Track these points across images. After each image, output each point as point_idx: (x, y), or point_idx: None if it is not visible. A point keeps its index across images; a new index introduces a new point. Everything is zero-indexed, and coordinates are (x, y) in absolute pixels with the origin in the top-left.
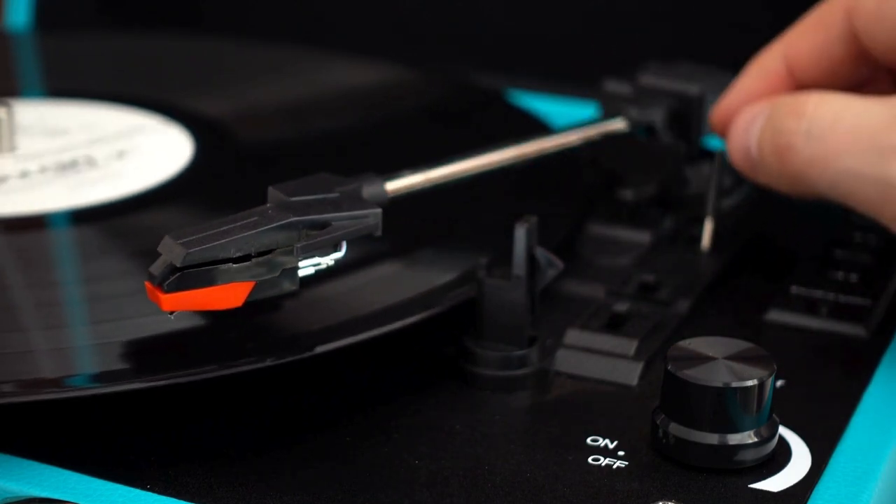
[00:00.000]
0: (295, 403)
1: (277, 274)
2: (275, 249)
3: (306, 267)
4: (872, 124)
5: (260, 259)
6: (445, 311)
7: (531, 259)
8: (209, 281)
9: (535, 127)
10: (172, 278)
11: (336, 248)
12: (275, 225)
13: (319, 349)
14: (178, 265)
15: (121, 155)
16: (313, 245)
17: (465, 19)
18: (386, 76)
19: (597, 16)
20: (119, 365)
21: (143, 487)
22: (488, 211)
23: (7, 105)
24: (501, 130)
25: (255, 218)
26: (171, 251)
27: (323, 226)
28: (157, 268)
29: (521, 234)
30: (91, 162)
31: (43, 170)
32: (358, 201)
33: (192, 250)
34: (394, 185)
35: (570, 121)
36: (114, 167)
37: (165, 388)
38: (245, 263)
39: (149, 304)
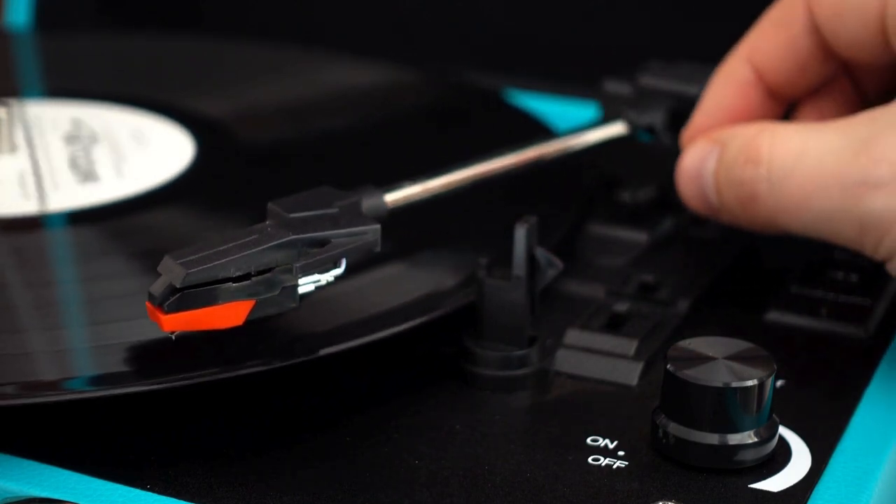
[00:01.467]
0: (295, 404)
1: (277, 292)
2: (274, 267)
3: (306, 284)
4: (835, 159)
5: (260, 277)
6: (446, 314)
7: (531, 259)
8: (209, 300)
9: (534, 127)
10: (173, 299)
11: (336, 265)
12: (274, 243)
13: (321, 353)
14: (178, 286)
15: (121, 155)
16: (312, 264)
17: (464, 19)
18: (386, 76)
19: (597, 16)
20: (119, 368)
21: (143, 487)
22: (488, 211)
23: (7, 105)
24: (500, 130)
25: (255, 236)
26: (171, 271)
27: (322, 243)
28: (157, 288)
29: (521, 234)
30: (91, 162)
31: (43, 170)
32: (357, 217)
33: (191, 270)
34: (393, 197)
35: (569, 121)
36: (114, 167)
37: (166, 390)
38: (245, 282)
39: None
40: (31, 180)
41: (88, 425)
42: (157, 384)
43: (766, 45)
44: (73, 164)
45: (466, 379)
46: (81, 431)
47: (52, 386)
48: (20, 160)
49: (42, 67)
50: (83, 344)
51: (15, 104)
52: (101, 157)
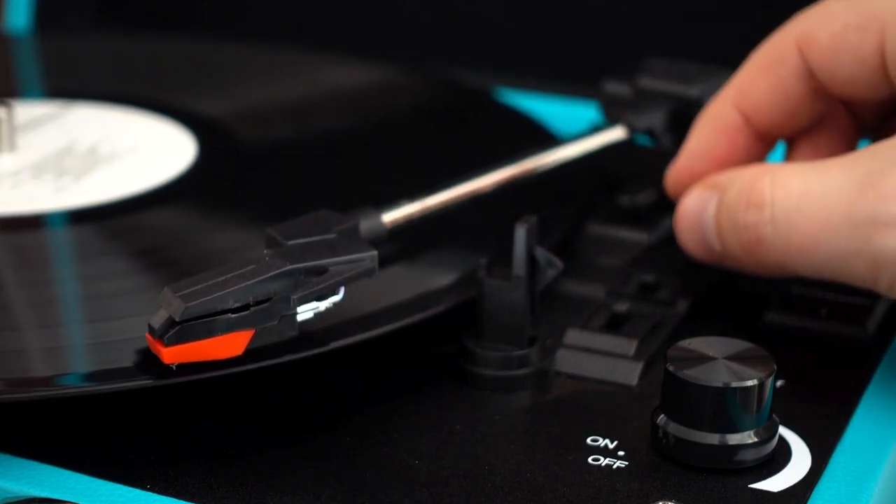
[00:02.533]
0: (295, 403)
1: (276, 321)
2: (273, 297)
3: (305, 312)
4: (840, 197)
5: (259, 307)
6: (445, 311)
7: (531, 259)
8: (209, 332)
9: (533, 128)
10: (172, 332)
11: (334, 293)
12: (272, 274)
13: (320, 349)
14: (177, 319)
15: (121, 155)
16: (310, 294)
17: (463, 19)
18: (385, 77)
19: (597, 16)
20: (114, 365)
21: (143, 487)
22: (488, 211)
23: (7, 105)
24: (500, 131)
25: (253, 267)
26: (171, 304)
27: (320, 271)
28: (156, 321)
29: (521, 234)
30: (91, 162)
31: (43, 170)
32: (355, 242)
33: (190, 304)
34: (391, 217)
35: (569, 121)
36: (114, 167)
37: (166, 388)
38: (244, 313)
39: (149, 304)
40: (31, 178)
41: (88, 425)
42: (153, 381)
43: (755, 90)
44: (73, 163)
45: (466, 379)
46: (81, 431)
47: (46, 382)
48: (20, 159)
49: (42, 68)
50: (79, 341)
51: (15, 104)
52: (101, 157)
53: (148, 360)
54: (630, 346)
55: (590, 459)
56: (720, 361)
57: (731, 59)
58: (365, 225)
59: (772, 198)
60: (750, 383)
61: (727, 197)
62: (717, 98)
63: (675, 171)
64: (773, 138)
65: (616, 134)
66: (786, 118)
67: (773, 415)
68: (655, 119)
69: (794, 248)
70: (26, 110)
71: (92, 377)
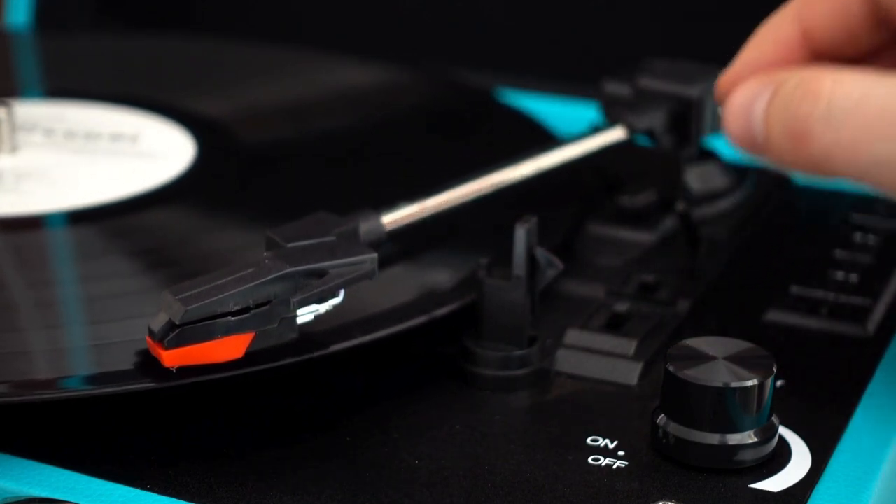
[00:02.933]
0: (295, 403)
1: (276, 324)
2: (273, 300)
3: (305, 314)
4: None
5: (259, 310)
6: (447, 314)
7: (531, 259)
8: (209, 335)
9: (533, 128)
10: (172, 335)
11: (334, 295)
12: (272, 277)
13: (320, 352)
14: (177, 322)
15: (121, 155)
16: (309, 297)
17: (463, 19)
18: (385, 77)
19: (597, 15)
20: (115, 367)
21: (143, 487)
22: (488, 211)
23: (7, 105)
24: (499, 131)
25: (252, 269)
26: (170, 307)
27: (320, 274)
28: (156, 324)
29: (521, 234)
30: (91, 163)
31: (43, 170)
32: (354, 245)
33: (190, 307)
34: (391, 219)
35: (569, 121)
36: (114, 167)
37: (166, 389)
38: (244, 316)
39: (149, 305)
40: (31, 178)
41: (88, 425)
42: (154, 384)
43: (817, 8)
44: (73, 163)
45: (466, 379)
46: (81, 431)
47: (48, 385)
48: (19, 160)
49: (42, 67)
50: (80, 343)
51: (15, 104)
52: (101, 158)
53: (148, 363)
54: (630, 346)
55: (590, 459)
56: (720, 361)
57: (731, 59)
58: (364, 227)
59: (830, 92)
60: (750, 383)
61: (784, 88)
62: (779, 11)
63: (729, 76)
64: (829, 61)
65: (616, 134)
66: (845, 41)
67: (773, 415)
68: (655, 119)
69: (843, 145)
70: (26, 110)
71: (93, 380)
